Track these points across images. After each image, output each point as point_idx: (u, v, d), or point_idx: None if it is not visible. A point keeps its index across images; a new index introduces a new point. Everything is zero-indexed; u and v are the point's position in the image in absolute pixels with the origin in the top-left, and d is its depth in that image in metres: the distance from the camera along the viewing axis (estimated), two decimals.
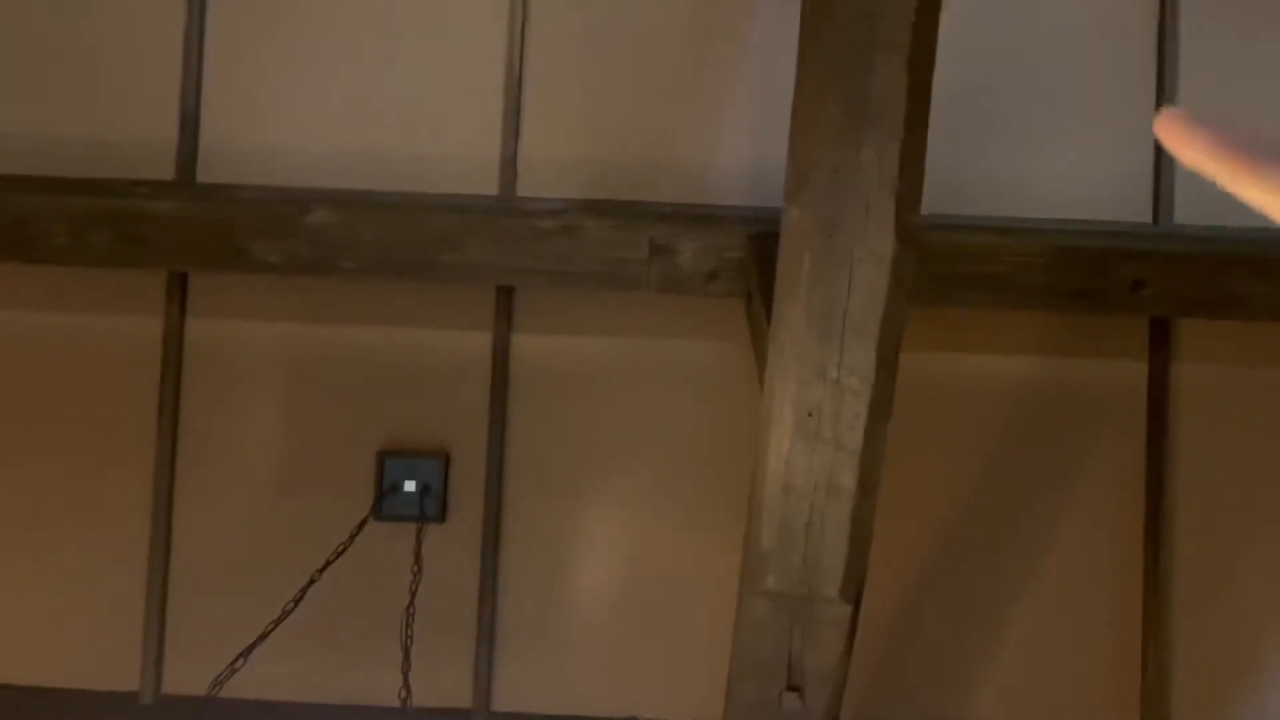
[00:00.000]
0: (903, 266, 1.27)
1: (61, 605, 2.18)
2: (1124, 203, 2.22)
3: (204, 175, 2.23)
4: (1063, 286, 2.11)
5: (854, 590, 1.47)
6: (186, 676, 2.16)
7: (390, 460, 2.15)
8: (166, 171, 2.22)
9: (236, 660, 1.73)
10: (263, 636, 1.74)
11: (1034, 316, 2.19)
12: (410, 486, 2.13)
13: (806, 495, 1.40)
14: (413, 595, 1.81)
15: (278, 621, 1.77)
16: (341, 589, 2.10)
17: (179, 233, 2.12)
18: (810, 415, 1.35)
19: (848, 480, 1.37)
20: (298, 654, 2.06)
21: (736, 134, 2.26)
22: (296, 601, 1.79)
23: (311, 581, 1.79)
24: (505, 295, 2.23)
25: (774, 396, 1.39)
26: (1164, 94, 2.23)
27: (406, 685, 1.68)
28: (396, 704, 1.80)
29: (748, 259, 2.03)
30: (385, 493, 2.12)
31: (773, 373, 1.39)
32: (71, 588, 2.19)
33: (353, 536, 1.92)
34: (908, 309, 1.33)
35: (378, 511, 2.09)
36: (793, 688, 1.50)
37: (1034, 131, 2.21)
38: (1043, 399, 2.20)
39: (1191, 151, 0.34)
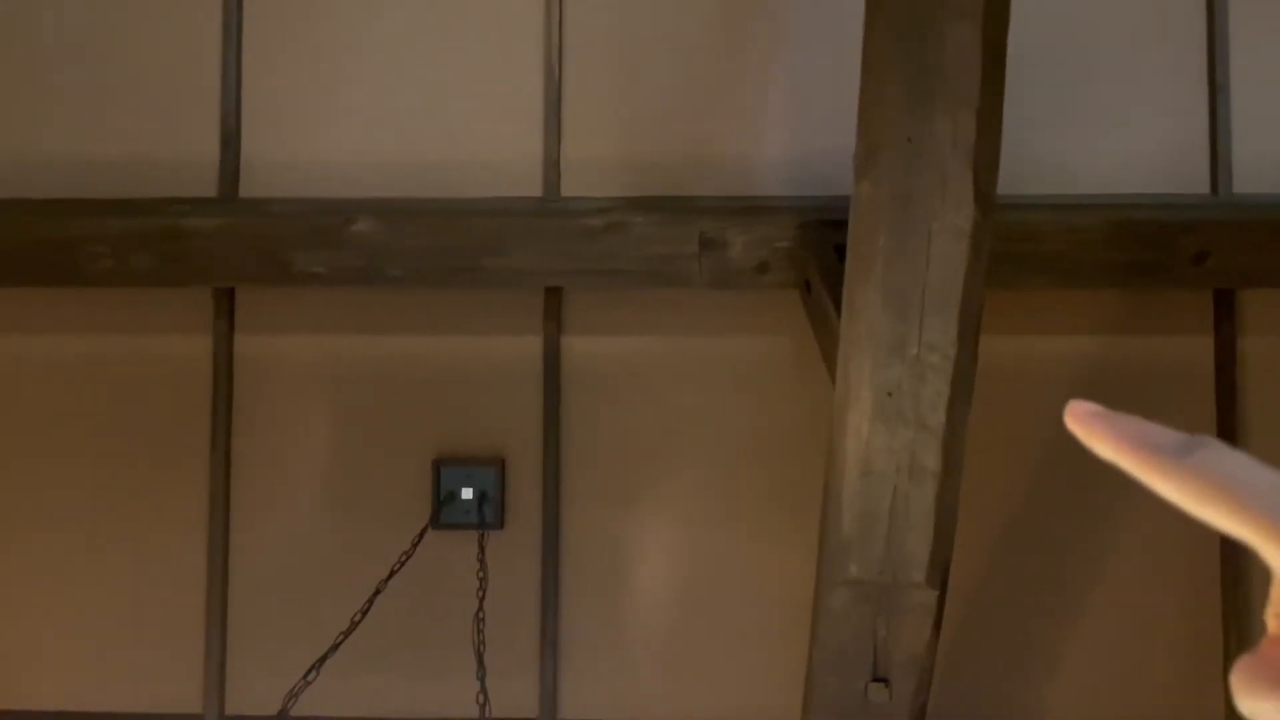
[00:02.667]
0: (982, 237, 1.24)
1: (122, 629, 2.17)
2: (1181, 175, 2.17)
3: (246, 191, 2.22)
4: (1123, 262, 2.07)
5: (940, 575, 1.43)
6: (250, 697, 2.14)
7: (446, 468, 2.13)
8: (209, 189, 2.22)
9: (309, 673, 1.70)
10: (334, 647, 1.72)
11: (1094, 295, 2.14)
12: (467, 494, 2.10)
13: (888, 478, 1.36)
14: (481, 601, 1.79)
15: (347, 633, 1.75)
16: (401, 600, 2.07)
17: (223, 249, 2.11)
18: (890, 395, 1.31)
19: (931, 461, 1.33)
20: (362, 668, 2.04)
21: (776, 125, 2.23)
22: (364, 612, 1.77)
23: (377, 592, 1.77)
24: (554, 297, 2.21)
25: (850, 379, 1.35)
26: (1215, 63, 2.18)
27: (484, 691, 1.65)
28: (467, 714, 1.77)
29: (801, 248, 1.99)
30: (443, 501, 2.09)
31: (847, 354, 1.36)
32: (131, 611, 2.17)
33: (414, 545, 1.90)
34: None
35: (436, 520, 2.07)
36: (878, 679, 1.45)
37: (1085, 107, 2.17)
38: (1108, 378, 2.15)
39: (1098, 445, 0.35)
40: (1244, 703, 0.34)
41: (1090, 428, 0.36)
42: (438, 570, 2.11)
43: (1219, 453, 0.34)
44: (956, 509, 1.41)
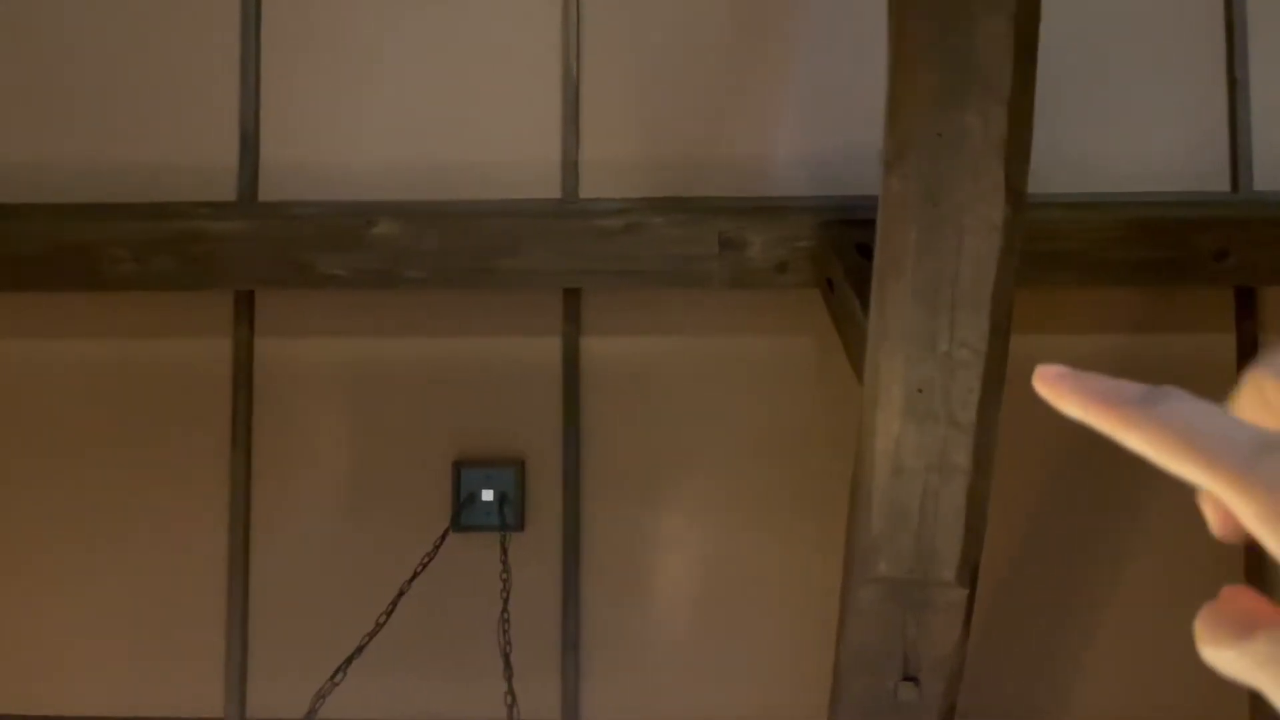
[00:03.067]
0: (1014, 232, 1.23)
1: (143, 632, 2.17)
2: (1200, 172, 2.17)
3: (265, 194, 2.22)
4: (1143, 260, 2.06)
5: (970, 573, 1.42)
6: (270, 700, 2.14)
7: (466, 470, 2.12)
8: (228, 193, 2.22)
9: (336, 674, 1.70)
10: (360, 649, 1.71)
11: (1114, 293, 2.14)
12: (488, 496, 2.10)
13: (918, 476, 1.35)
14: (505, 601, 1.78)
15: (372, 634, 1.74)
16: (420, 602, 2.06)
17: (244, 252, 2.11)
18: (920, 392, 1.31)
19: (962, 458, 1.33)
20: (384, 671, 2.03)
21: (793, 125, 2.23)
22: (389, 613, 1.76)
23: (401, 593, 1.76)
24: (572, 298, 2.21)
25: (879, 376, 1.35)
26: (1234, 59, 2.18)
27: (511, 692, 1.64)
28: (490, 716, 1.76)
29: (822, 247, 1.99)
30: (463, 503, 2.09)
31: (876, 351, 1.35)
32: (152, 615, 2.17)
33: (436, 547, 1.89)
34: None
35: (457, 522, 2.06)
36: (908, 678, 1.45)
37: (1103, 105, 2.17)
38: (1128, 377, 2.14)
39: (1067, 404, 0.35)
40: (1206, 651, 0.34)
41: (1057, 387, 0.36)
42: (457, 572, 2.10)
43: (1181, 402, 0.34)
44: (987, 506, 1.40)
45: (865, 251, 1.89)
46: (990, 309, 1.26)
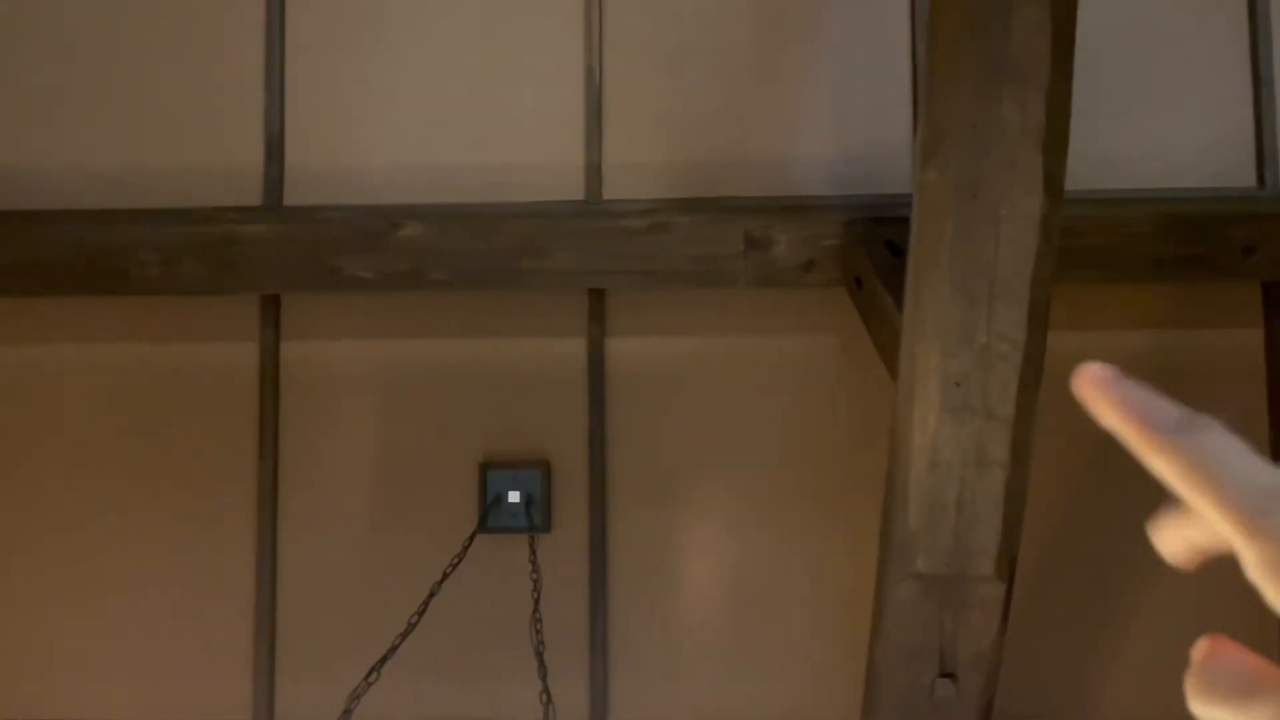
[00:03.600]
0: (1051, 223, 1.23)
1: (170, 637, 2.17)
2: (1226, 168, 2.16)
3: (291, 199, 2.23)
4: (1170, 256, 2.05)
5: (1008, 568, 1.41)
6: (298, 704, 2.14)
7: (492, 472, 2.12)
8: (254, 197, 2.23)
9: (370, 674, 1.70)
10: (393, 649, 1.71)
11: (1142, 289, 2.13)
12: (514, 497, 2.09)
13: (955, 470, 1.35)
14: (536, 601, 1.78)
15: (405, 634, 1.74)
16: (447, 604, 2.06)
17: (271, 255, 2.12)
18: (958, 385, 1.30)
19: (999, 451, 1.32)
20: (412, 673, 2.03)
21: (817, 124, 2.23)
22: (420, 614, 1.76)
23: (432, 594, 1.76)
24: (597, 299, 2.21)
25: (915, 370, 1.34)
26: (1259, 56, 2.17)
27: (546, 691, 1.64)
28: (521, 717, 1.76)
29: (849, 245, 1.99)
30: (490, 505, 2.09)
31: (912, 345, 1.35)
32: (179, 619, 2.17)
33: (465, 549, 1.89)
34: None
35: (484, 524, 2.06)
36: (945, 674, 1.44)
37: (1129, 102, 2.16)
38: (1156, 373, 2.12)
39: (1103, 410, 0.35)
40: (1198, 709, 0.34)
41: (1099, 393, 0.35)
42: (483, 574, 2.10)
43: (1215, 436, 0.33)
44: (1025, 500, 1.40)
45: (894, 249, 1.89)
46: (1029, 301, 1.26)
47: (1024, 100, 1.18)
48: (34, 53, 2.26)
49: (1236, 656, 0.34)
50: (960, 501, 1.36)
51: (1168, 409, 0.34)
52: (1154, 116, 2.17)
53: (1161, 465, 0.33)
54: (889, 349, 1.55)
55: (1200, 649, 0.35)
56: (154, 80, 2.25)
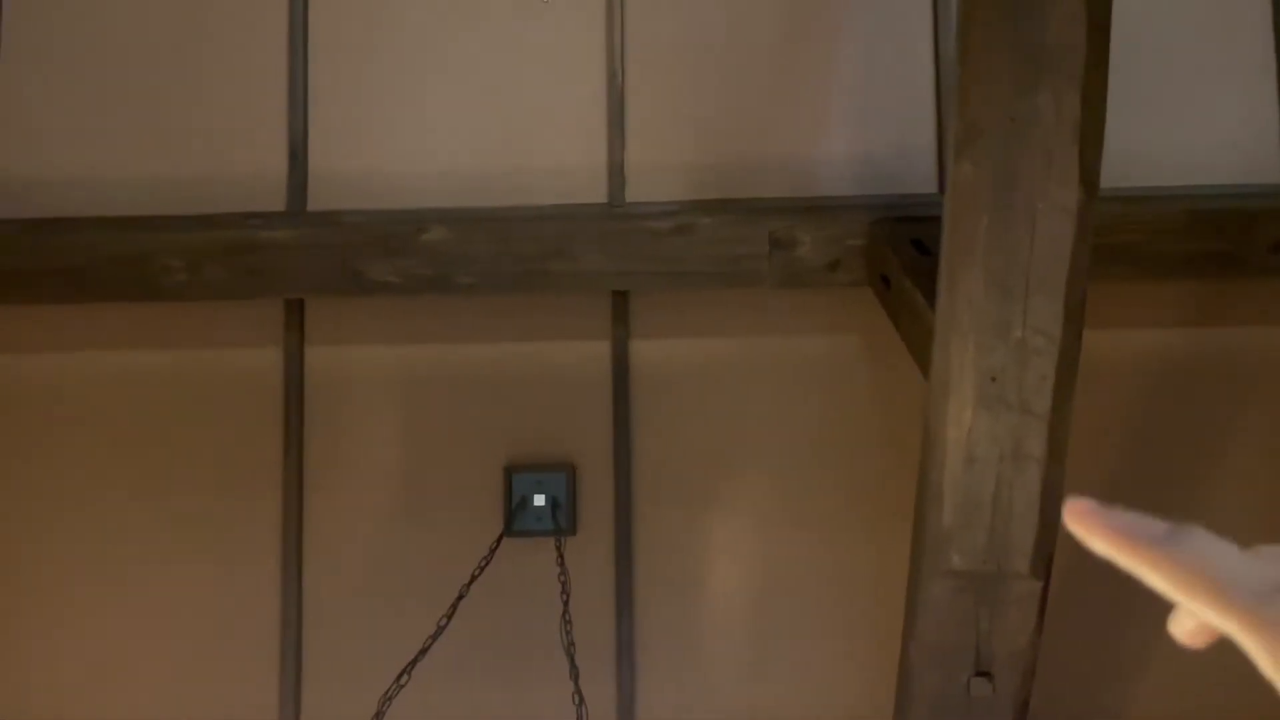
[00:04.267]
0: (1088, 217, 1.22)
1: (196, 641, 2.17)
2: (1254, 165, 2.14)
3: (314, 204, 2.23)
4: (1198, 252, 2.04)
5: (1045, 565, 1.40)
6: (325, 708, 2.13)
7: (518, 475, 2.12)
8: (278, 202, 2.23)
9: (401, 676, 1.69)
10: (423, 651, 1.71)
11: (1170, 287, 2.12)
12: (539, 500, 2.09)
13: (991, 466, 1.34)
14: (565, 603, 1.77)
15: (434, 636, 1.74)
16: (473, 607, 2.05)
17: (297, 260, 2.12)
18: (993, 380, 1.29)
19: (1036, 446, 1.31)
20: (440, 676, 2.02)
21: (839, 124, 2.22)
22: (449, 616, 1.76)
23: (461, 596, 1.76)
24: (621, 301, 2.20)
25: (950, 365, 1.33)
26: None
27: (579, 692, 1.63)
28: (555, 718, 1.75)
29: (875, 244, 1.98)
30: (515, 508, 2.09)
31: (946, 340, 1.34)
32: (205, 623, 2.17)
33: (492, 551, 1.89)
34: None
35: (509, 527, 2.06)
36: (981, 673, 1.42)
37: (1155, 99, 2.15)
38: (1186, 371, 2.12)
39: (1095, 540, 0.37)
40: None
41: (1085, 524, 0.37)
42: (508, 577, 2.10)
43: (1202, 541, 0.35)
44: (1061, 496, 1.38)
45: (920, 247, 1.88)
46: (1065, 294, 1.25)
47: (1060, 92, 1.17)
48: (57, 61, 2.27)
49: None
50: (996, 497, 1.34)
51: (1153, 525, 0.37)
52: (1181, 113, 2.16)
53: (1158, 578, 0.36)
54: (920, 346, 1.54)
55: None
56: (177, 87, 2.26)
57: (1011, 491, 1.34)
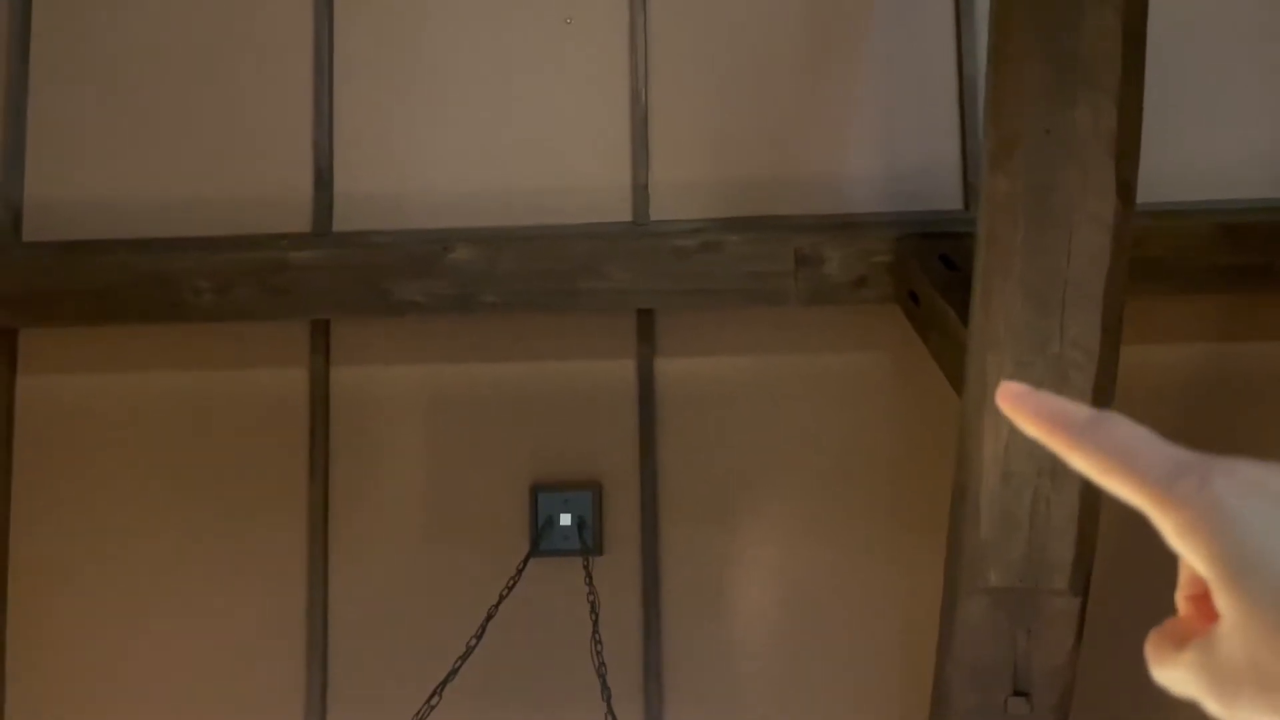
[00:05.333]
0: (1124, 228, 1.21)
1: (223, 660, 2.16)
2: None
3: (340, 225, 2.24)
4: (1229, 266, 2.02)
5: (1083, 581, 1.38)
6: None
7: (544, 494, 2.11)
8: (304, 224, 2.24)
9: (432, 697, 1.68)
10: (454, 672, 1.70)
11: (1202, 301, 2.10)
12: (566, 520, 2.08)
13: (1029, 481, 1.32)
14: (595, 622, 1.76)
15: (464, 658, 1.72)
16: (499, 627, 2.04)
17: (324, 281, 2.13)
18: None
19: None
20: (470, 697, 2.01)
21: (864, 143, 2.22)
22: (479, 636, 1.75)
23: (490, 616, 1.75)
24: (646, 319, 2.20)
25: (986, 379, 1.32)
26: None
27: (611, 713, 1.61)
28: None
29: (902, 261, 1.97)
30: (542, 528, 2.08)
31: (982, 355, 1.33)
32: (231, 642, 2.17)
33: (519, 571, 1.88)
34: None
35: (536, 547, 2.05)
36: (1019, 692, 1.40)
37: (1186, 114, 2.14)
38: (1218, 386, 2.10)
39: (1023, 421, 0.39)
40: (1156, 672, 0.38)
41: (1015, 405, 0.39)
42: (533, 597, 2.08)
43: (1121, 426, 0.37)
44: (1099, 512, 1.37)
45: (949, 262, 1.87)
46: (1102, 307, 1.24)
47: (1096, 104, 1.17)
48: (86, 86, 2.29)
49: (1185, 621, 0.38)
50: (1034, 513, 1.33)
51: (1078, 410, 0.38)
52: (1213, 128, 2.15)
53: (1080, 459, 0.37)
54: (952, 362, 1.53)
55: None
56: (204, 110, 2.27)
57: (1049, 508, 1.32)
